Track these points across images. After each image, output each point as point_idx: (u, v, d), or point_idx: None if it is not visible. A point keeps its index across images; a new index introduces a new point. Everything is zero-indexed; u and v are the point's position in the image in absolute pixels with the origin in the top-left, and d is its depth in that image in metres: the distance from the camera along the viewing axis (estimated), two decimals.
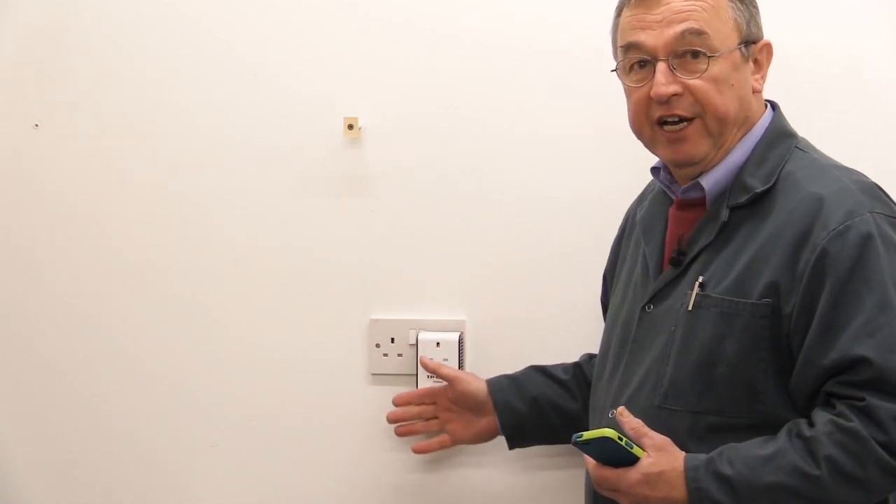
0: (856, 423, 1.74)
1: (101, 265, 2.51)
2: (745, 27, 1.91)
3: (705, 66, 1.88)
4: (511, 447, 2.28)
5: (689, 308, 1.88)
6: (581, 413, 2.18)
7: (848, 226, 1.79)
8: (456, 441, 2.33)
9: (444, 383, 2.33)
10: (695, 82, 1.88)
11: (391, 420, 2.37)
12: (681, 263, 1.93)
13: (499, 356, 2.38)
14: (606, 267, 2.24)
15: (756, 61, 1.94)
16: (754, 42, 1.93)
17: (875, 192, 1.86)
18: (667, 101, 1.89)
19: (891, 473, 1.73)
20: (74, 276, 2.52)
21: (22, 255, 2.53)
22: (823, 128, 2.27)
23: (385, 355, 2.45)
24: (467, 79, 2.40)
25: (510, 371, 2.31)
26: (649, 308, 1.96)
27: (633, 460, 1.82)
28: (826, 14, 2.31)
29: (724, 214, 1.89)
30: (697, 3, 1.89)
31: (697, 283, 1.88)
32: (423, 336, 2.41)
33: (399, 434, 2.37)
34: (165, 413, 2.51)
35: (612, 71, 1.98)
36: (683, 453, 1.82)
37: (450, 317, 2.42)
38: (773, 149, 1.92)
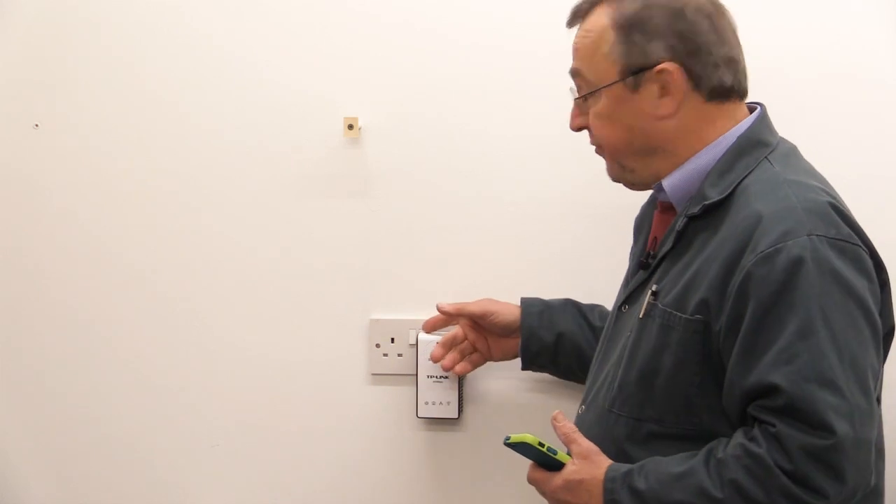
0: (763, 450, 1.72)
1: (100, 265, 2.51)
2: (623, 59, 1.87)
3: (588, 104, 1.92)
4: (524, 368, 2.30)
5: (640, 315, 1.89)
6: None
7: (778, 249, 1.73)
8: (486, 359, 2.35)
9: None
10: (588, 119, 1.93)
11: (436, 359, 2.36)
12: (648, 266, 1.94)
13: None
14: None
15: (663, 86, 1.87)
16: (644, 69, 1.86)
17: (824, 212, 1.78)
18: (581, 130, 1.96)
19: (795, 501, 1.72)
20: (74, 276, 2.52)
21: (22, 255, 2.53)
22: (821, 130, 2.29)
23: (385, 355, 2.45)
24: (468, 79, 2.40)
25: (508, 374, 2.32)
26: (624, 308, 1.97)
27: (559, 465, 1.88)
28: (824, 15, 2.32)
29: (680, 223, 1.88)
30: (583, 39, 1.92)
31: (650, 292, 1.89)
32: (423, 336, 2.41)
33: (446, 368, 2.34)
34: (165, 413, 2.51)
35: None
36: (609, 462, 1.85)
37: None
38: (741, 158, 1.87)
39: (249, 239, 2.48)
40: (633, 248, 2.10)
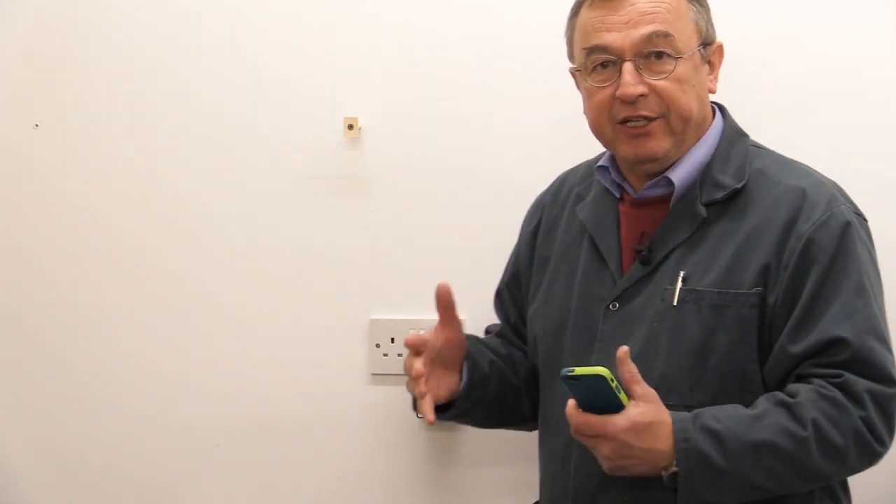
0: (838, 393, 1.78)
1: (100, 265, 2.51)
2: (704, 29, 1.95)
3: (671, 68, 1.90)
4: (444, 415, 2.06)
5: (674, 303, 1.89)
6: (520, 392, 2.13)
7: (830, 215, 1.86)
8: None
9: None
10: (661, 83, 1.91)
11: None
12: (650, 261, 1.93)
13: None
14: (511, 271, 2.22)
15: (710, 63, 1.97)
16: (710, 44, 1.97)
17: (839, 187, 1.95)
18: (633, 101, 1.91)
19: (865, 447, 1.78)
20: (74, 276, 2.52)
21: (22, 254, 2.53)
22: (820, 129, 2.30)
23: (385, 355, 2.45)
24: (468, 79, 2.40)
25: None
26: (614, 307, 1.95)
27: (617, 407, 1.78)
28: (821, 9, 2.32)
29: (703, 211, 1.91)
30: (662, 5, 1.91)
31: (680, 279, 1.89)
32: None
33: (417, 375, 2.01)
34: (165, 413, 2.51)
35: (577, 70, 1.99)
36: (669, 411, 1.82)
37: None
38: (734, 147, 1.96)
39: (249, 239, 2.48)
40: (576, 249, 2.05)
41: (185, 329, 2.50)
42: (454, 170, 2.42)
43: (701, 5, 1.96)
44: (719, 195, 1.91)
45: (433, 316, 2.41)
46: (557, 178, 2.22)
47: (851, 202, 1.92)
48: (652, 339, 1.90)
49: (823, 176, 1.95)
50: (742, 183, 1.91)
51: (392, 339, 2.44)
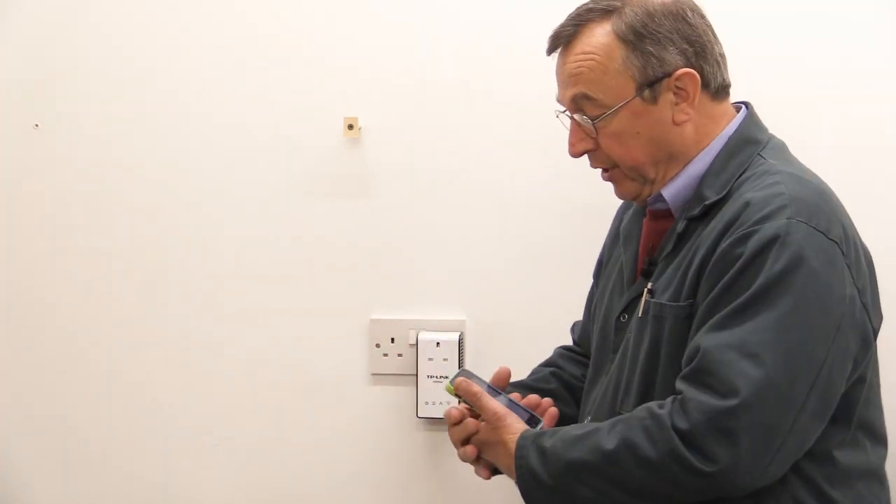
0: (665, 411, 1.73)
1: (100, 265, 2.51)
2: (640, 73, 1.85)
3: (603, 125, 1.87)
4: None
5: (639, 315, 1.89)
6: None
7: (756, 229, 1.74)
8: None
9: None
10: (600, 140, 1.89)
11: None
12: (651, 274, 1.93)
13: (499, 356, 2.36)
14: (596, 267, 2.23)
15: (677, 92, 1.86)
16: (662, 79, 1.85)
17: (811, 201, 1.78)
18: (582, 155, 1.91)
19: (683, 463, 1.70)
20: (74, 276, 2.52)
21: (22, 255, 2.53)
22: (819, 127, 2.29)
23: (385, 355, 2.45)
24: (468, 79, 2.40)
25: None
26: (624, 318, 1.96)
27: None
28: (822, 12, 2.32)
29: (681, 226, 1.88)
30: (586, 62, 1.86)
31: (646, 290, 1.88)
32: (423, 336, 2.41)
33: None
34: (165, 413, 2.52)
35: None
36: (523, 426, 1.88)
37: (450, 317, 2.42)
38: (734, 158, 1.88)
39: (249, 239, 2.48)
40: (617, 258, 2.07)
41: (184, 329, 2.50)
42: (454, 170, 2.42)
43: (640, 44, 1.84)
44: (697, 210, 1.86)
45: (433, 316, 2.43)
46: None
47: (818, 218, 1.76)
48: (626, 350, 1.92)
49: (804, 187, 1.80)
50: (718, 196, 1.85)
51: (392, 339, 2.44)
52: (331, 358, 2.47)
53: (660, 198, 1.93)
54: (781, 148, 1.93)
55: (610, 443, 1.75)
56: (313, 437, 2.48)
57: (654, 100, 1.86)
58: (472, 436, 1.95)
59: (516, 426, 1.88)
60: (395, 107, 2.42)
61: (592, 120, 1.87)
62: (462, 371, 1.97)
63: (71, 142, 2.51)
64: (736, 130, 1.91)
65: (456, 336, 2.41)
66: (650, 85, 1.85)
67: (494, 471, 1.98)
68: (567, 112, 1.92)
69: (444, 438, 2.43)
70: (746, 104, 1.95)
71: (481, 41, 2.39)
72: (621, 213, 2.15)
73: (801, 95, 2.31)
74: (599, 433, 1.77)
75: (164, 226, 2.50)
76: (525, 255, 2.41)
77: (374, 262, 2.45)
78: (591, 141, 1.89)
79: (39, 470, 2.55)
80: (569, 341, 2.26)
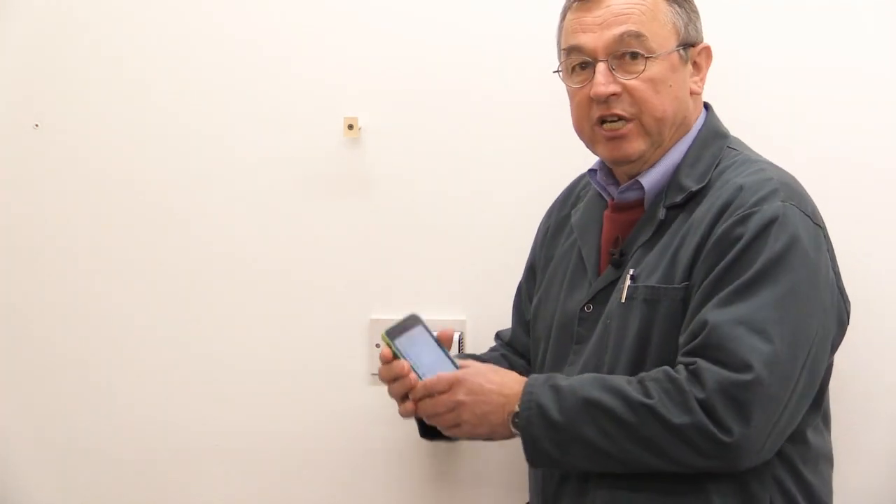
0: (682, 377, 1.77)
1: (100, 265, 2.51)
2: (682, 30, 1.95)
3: (643, 68, 1.92)
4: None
5: (622, 300, 1.91)
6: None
7: (755, 210, 1.82)
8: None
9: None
10: (633, 83, 1.92)
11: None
12: (621, 265, 1.96)
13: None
14: (526, 272, 2.25)
15: (695, 64, 1.98)
16: (693, 45, 1.97)
17: (796, 187, 1.89)
18: (606, 100, 1.93)
19: (703, 431, 1.74)
20: (74, 276, 2.52)
21: (22, 255, 2.54)
22: (818, 126, 2.30)
23: None
24: (468, 79, 2.40)
25: None
26: (588, 308, 1.98)
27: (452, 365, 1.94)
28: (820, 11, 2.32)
29: (662, 213, 1.93)
30: (636, 5, 1.93)
31: (629, 276, 1.91)
32: None
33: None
34: (165, 413, 2.51)
35: (555, 72, 2.01)
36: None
37: (450, 317, 2.42)
38: (707, 149, 1.96)
39: (249, 239, 2.48)
40: (569, 252, 2.09)
41: (185, 329, 2.50)
42: (454, 170, 2.42)
43: (681, 7, 1.96)
44: (679, 198, 1.92)
45: (433, 316, 2.41)
46: (573, 180, 2.23)
47: (804, 204, 1.87)
48: (604, 336, 1.93)
49: (784, 175, 1.91)
50: (701, 185, 1.91)
51: None
52: (331, 358, 2.47)
53: (631, 186, 1.97)
54: (741, 142, 2.01)
55: (633, 392, 1.79)
56: (313, 436, 2.48)
57: (685, 62, 1.96)
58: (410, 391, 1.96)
59: (495, 377, 1.90)
60: (395, 107, 2.43)
61: (647, 56, 1.91)
62: (411, 316, 1.97)
63: (71, 142, 2.51)
64: (704, 124, 1.99)
65: (456, 336, 2.40)
66: (685, 46, 1.95)
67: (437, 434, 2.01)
68: (593, 59, 1.94)
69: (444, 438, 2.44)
70: (706, 103, 2.03)
71: (481, 41, 2.40)
72: (556, 213, 2.19)
73: (801, 95, 2.31)
74: (621, 381, 1.81)
75: (164, 226, 2.50)
76: (525, 255, 2.41)
77: (374, 262, 2.45)
78: (618, 85, 1.93)
79: (38, 470, 2.55)
80: None
